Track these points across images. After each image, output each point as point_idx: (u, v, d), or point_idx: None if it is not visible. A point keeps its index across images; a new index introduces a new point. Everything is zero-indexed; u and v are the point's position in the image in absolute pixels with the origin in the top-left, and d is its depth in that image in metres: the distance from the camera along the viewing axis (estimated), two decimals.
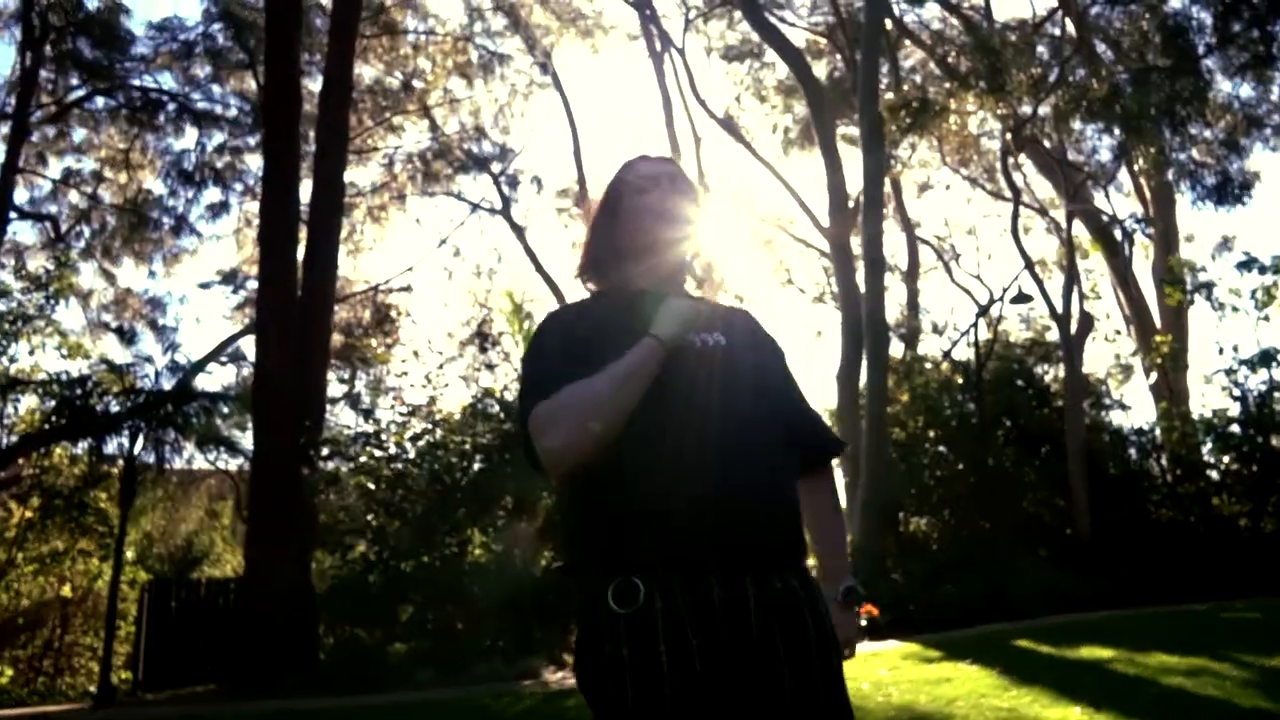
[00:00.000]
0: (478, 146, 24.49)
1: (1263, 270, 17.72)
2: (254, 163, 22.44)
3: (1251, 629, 9.35)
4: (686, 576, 1.60)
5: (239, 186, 23.05)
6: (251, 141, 22.10)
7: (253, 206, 21.91)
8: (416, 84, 23.82)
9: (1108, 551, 14.77)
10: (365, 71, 22.33)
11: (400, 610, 12.04)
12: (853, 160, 17.96)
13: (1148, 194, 23.27)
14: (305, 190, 15.32)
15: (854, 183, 17.66)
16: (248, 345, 22.11)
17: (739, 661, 1.59)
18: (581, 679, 1.68)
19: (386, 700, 9.03)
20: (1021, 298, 18.70)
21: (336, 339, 19.70)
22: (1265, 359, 16.73)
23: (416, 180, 24.32)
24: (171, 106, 22.02)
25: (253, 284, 21.05)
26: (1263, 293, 17.75)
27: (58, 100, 21.33)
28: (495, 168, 24.64)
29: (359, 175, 23.81)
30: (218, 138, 22.64)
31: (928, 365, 19.72)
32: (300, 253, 13.80)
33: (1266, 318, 17.83)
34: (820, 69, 22.89)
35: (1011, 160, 20.44)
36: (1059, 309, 17.60)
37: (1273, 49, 18.23)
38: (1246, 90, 19.44)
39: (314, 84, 18.96)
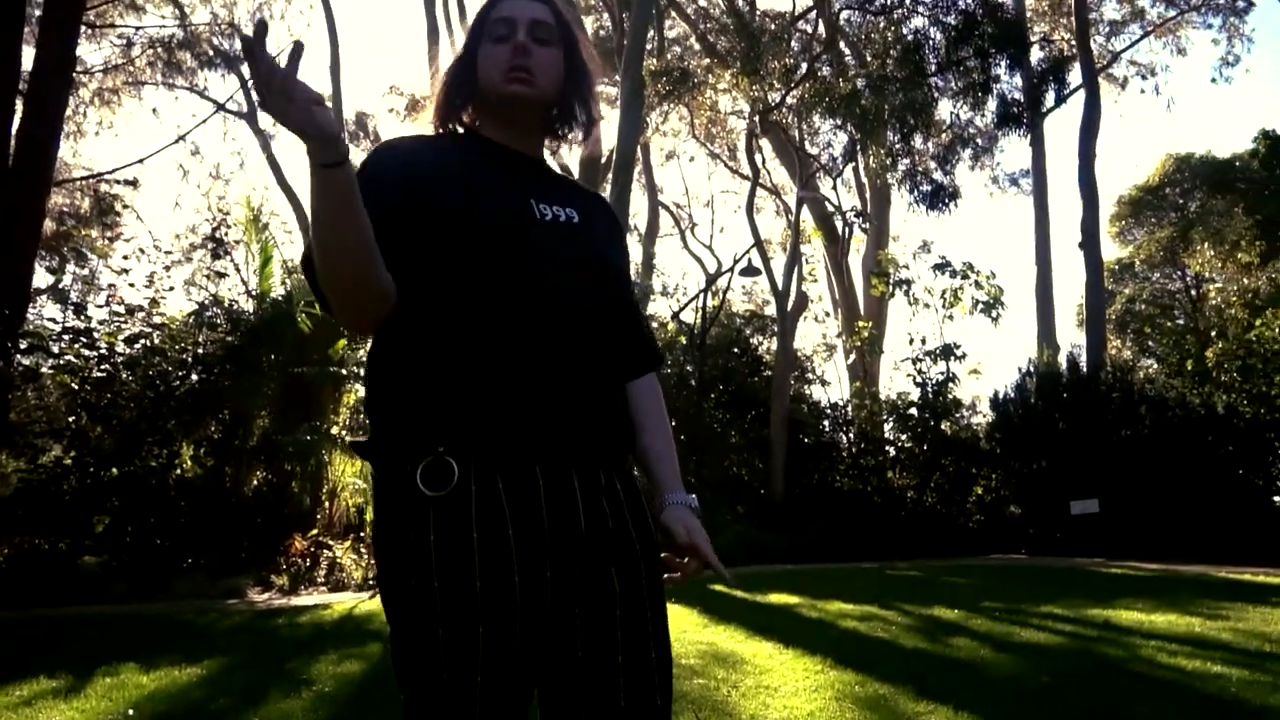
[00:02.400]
0: (229, 44, 23.05)
1: (953, 274, 20.10)
2: None
3: (913, 584, 10.85)
4: (508, 461, 1.40)
5: None
6: None
7: None
8: None
9: (798, 512, 16.31)
10: None
11: (96, 521, 11.44)
12: (608, 122, 18.40)
13: (869, 191, 25.41)
14: (26, 59, 13.95)
15: (607, 141, 18.13)
16: None
17: (563, 558, 1.40)
18: (382, 575, 1.43)
19: (76, 612, 8.56)
20: (750, 270, 20.08)
21: (48, 226, 18.10)
22: (945, 352, 18.93)
23: (157, 68, 22.60)
24: None
25: None
26: (950, 294, 20.05)
27: None
28: (245, 69, 23.29)
29: (90, 53, 21.82)
30: None
31: (655, 325, 20.63)
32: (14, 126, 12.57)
33: (951, 316, 20.18)
34: (589, 24, 23.20)
35: (755, 142, 21.73)
36: (780, 286, 19.03)
37: (989, 78, 20.34)
38: (965, 112, 21.58)
39: None
